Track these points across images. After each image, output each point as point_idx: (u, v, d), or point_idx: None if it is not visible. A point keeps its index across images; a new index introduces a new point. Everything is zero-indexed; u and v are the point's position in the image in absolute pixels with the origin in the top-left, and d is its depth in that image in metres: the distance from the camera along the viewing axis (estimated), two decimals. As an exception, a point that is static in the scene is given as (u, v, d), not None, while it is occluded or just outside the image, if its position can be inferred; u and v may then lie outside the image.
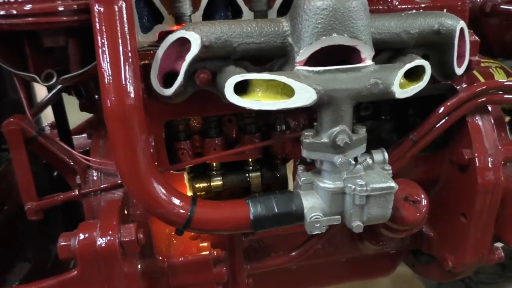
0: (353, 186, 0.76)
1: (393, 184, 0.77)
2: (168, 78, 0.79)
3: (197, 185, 0.99)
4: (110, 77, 0.68)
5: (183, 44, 0.75)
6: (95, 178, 0.83)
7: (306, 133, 0.77)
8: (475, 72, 1.00)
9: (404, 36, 0.79)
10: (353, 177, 0.78)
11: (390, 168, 0.82)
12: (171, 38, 0.75)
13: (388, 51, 0.84)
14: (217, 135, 0.97)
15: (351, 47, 0.73)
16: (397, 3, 0.90)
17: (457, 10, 0.94)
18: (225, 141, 0.98)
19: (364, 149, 0.80)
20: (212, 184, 1.00)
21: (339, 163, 0.75)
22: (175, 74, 0.78)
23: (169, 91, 0.77)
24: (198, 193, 1.00)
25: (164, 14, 0.88)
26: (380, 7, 0.90)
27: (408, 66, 0.76)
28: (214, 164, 1.00)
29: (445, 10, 0.93)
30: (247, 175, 1.01)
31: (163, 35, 0.82)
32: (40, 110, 0.92)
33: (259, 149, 0.97)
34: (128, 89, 0.69)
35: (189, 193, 0.95)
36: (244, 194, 1.06)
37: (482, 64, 1.10)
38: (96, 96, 0.93)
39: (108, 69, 0.68)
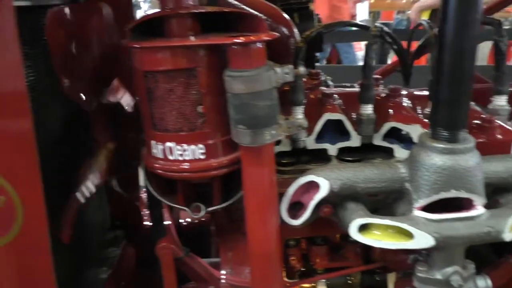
0: (462, 318, 0.84)
1: (499, 318, 0.84)
2: (292, 206, 0.91)
3: None
4: (257, 220, 0.81)
5: (311, 182, 0.87)
6: (226, 289, 0.96)
7: (420, 268, 0.86)
8: None
9: (510, 179, 0.87)
10: (460, 307, 0.86)
11: (493, 297, 0.89)
12: (302, 180, 0.86)
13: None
14: (323, 243, 1.08)
15: (465, 197, 0.82)
16: (498, 136, 0.98)
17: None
18: (330, 247, 1.09)
19: (471, 283, 0.87)
20: (317, 288, 1.10)
21: (452, 300, 0.83)
22: (300, 203, 0.90)
23: (296, 222, 0.89)
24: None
25: (282, 138, 1.00)
26: (481, 140, 0.98)
27: (518, 213, 0.84)
28: (319, 269, 1.10)
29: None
30: (348, 279, 1.11)
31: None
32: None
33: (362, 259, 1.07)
34: (272, 230, 0.82)
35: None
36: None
37: None
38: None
39: (255, 212, 0.81)
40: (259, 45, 0.71)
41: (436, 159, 0.80)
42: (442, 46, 0.76)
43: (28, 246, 0.75)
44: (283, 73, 0.75)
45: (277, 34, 0.74)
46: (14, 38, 0.65)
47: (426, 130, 0.88)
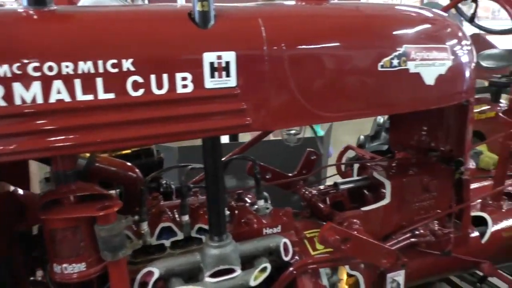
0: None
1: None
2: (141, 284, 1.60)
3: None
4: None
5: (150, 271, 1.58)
6: None
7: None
8: (305, 241, 1.93)
9: (256, 252, 1.69)
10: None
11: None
12: (145, 270, 1.56)
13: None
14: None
15: (230, 267, 1.61)
16: (255, 225, 1.81)
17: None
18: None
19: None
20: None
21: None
22: (146, 282, 1.60)
23: (144, 293, 1.59)
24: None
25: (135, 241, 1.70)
26: (245, 229, 1.80)
27: (257, 270, 1.65)
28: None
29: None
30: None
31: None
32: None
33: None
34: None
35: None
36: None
37: (309, 235, 2.04)
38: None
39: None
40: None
41: (212, 251, 1.58)
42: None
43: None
44: (127, 221, 1.46)
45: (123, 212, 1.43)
46: None
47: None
